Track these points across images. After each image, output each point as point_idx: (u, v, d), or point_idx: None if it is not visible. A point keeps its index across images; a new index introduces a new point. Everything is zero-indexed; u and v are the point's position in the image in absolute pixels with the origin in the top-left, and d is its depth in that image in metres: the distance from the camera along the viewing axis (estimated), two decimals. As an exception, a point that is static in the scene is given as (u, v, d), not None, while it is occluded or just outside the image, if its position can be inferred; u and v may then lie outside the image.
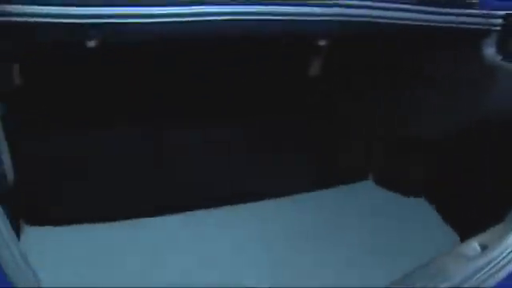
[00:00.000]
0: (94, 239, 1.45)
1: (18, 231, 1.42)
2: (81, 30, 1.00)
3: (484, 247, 1.22)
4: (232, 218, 1.66)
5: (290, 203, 1.80)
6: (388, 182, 1.96)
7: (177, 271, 1.39)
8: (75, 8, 0.92)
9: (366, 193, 1.95)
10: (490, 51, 1.44)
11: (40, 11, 0.90)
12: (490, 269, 1.15)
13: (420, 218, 1.77)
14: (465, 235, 1.60)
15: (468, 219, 1.58)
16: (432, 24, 1.27)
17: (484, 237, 1.26)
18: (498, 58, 1.43)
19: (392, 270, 1.38)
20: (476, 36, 1.41)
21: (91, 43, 1.06)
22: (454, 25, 1.30)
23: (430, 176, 1.81)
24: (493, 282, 1.13)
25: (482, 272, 1.15)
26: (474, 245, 1.24)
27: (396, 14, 1.20)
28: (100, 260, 1.38)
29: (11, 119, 1.13)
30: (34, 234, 1.44)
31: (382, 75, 1.69)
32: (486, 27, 1.39)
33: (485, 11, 1.39)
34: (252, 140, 1.90)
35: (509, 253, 1.18)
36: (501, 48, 1.42)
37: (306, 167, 1.95)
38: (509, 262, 1.17)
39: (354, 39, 1.31)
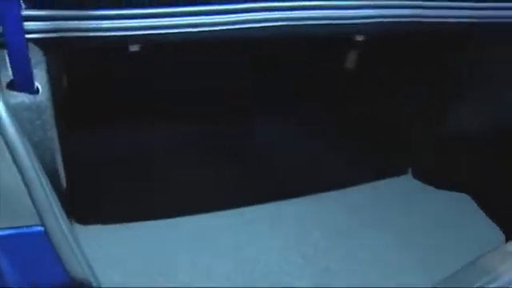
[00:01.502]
0: (145, 237, 1.50)
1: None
2: (126, 40, 1.04)
3: (532, 246, 1.22)
4: (273, 216, 1.68)
5: (330, 199, 1.81)
6: (428, 177, 1.95)
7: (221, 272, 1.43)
8: (121, 21, 0.96)
9: (406, 188, 1.95)
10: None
11: (90, 26, 0.94)
12: (539, 268, 1.15)
13: (462, 214, 1.77)
14: (509, 233, 1.60)
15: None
16: (470, 20, 1.25)
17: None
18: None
19: (436, 269, 1.41)
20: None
21: (134, 47, 1.11)
22: (502, 19, 1.28)
23: (472, 172, 1.79)
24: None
25: (531, 271, 1.15)
26: (521, 243, 1.25)
27: (440, 12, 1.19)
28: (152, 258, 1.43)
29: (61, 120, 1.19)
30: (84, 234, 1.50)
31: (424, 71, 1.68)
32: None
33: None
34: (289, 135, 1.94)
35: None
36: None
37: (345, 163, 1.97)
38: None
39: (391, 38, 1.31)
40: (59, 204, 0.79)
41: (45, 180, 0.77)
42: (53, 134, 0.98)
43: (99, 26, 0.96)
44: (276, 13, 1.05)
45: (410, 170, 2.01)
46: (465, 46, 1.49)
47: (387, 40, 1.39)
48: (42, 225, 0.74)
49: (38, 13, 0.93)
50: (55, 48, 0.97)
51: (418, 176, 1.98)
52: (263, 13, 1.04)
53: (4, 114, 0.74)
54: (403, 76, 1.76)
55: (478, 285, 1.11)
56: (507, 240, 1.57)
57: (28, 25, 0.91)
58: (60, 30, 0.94)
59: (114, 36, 0.96)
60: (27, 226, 0.74)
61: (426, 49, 1.54)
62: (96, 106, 1.56)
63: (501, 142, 1.65)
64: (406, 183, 1.98)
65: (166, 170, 1.75)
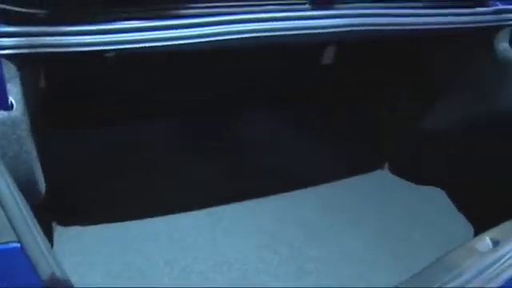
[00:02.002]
0: (125, 239, 1.55)
1: (50, 232, 1.53)
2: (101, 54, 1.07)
3: (496, 243, 1.28)
4: (249, 215, 1.73)
5: (306, 196, 1.86)
6: (404, 172, 2.01)
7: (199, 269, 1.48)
8: (96, 36, 0.99)
9: (382, 182, 2.01)
10: (502, 47, 1.47)
11: (63, 42, 0.97)
12: (501, 264, 1.22)
13: (436, 208, 1.83)
14: (478, 226, 1.67)
15: (482, 211, 1.64)
16: (443, 26, 1.30)
17: (496, 232, 1.32)
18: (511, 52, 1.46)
19: (406, 263, 1.48)
20: (489, 32, 1.44)
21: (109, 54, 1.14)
22: (466, 25, 1.34)
23: (444, 167, 1.86)
24: (504, 277, 1.20)
25: (493, 267, 1.21)
26: (486, 240, 1.31)
27: (403, 19, 1.24)
28: (132, 260, 1.47)
29: (39, 122, 1.21)
30: (66, 235, 1.54)
31: (396, 72, 1.74)
32: (499, 23, 1.42)
33: (497, 7, 1.42)
34: (264, 135, 1.99)
35: (520, 249, 1.24)
36: (514, 43, 1.46)
37: (322, 159, 2.02)
38: (520, 257, 1.23)
39: (365, 43, 1.36)
40: (34, 218, 0.82)
41: (19, 196, 0.80)
42: (28, 147, 1.00)
43: (72, 41, 0.98)
44: (251, 24, 1.08)
45: (386, 166, 2.08)
46: (433, 49, 1.54)
47: (360, 45, 1.43)
48: (18, 241, 0.77)
49: (11, 29, 0.95)
50: (29, 63, 0.99)
51: (395, 171, 2.05)
52: (238, 25, 1.07)
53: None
54: (378, 78, 1.81)
55: (441, 282, 1.17)
56: (476, 233, 1.64)
57: (1, 41, 0.93)
58: (33, 46, 0.96)
59: (89, 51, 0.99)
60: (4, 243, 0.77)
61: (399, 53, 1.59)
62: (73, 110, 1.58)
63: (471, 139, 1.71)
64: (382, 178, 2.05)
65: (142, 171, 1.79)
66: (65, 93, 1.53)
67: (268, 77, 1.91)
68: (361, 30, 1.20)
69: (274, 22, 1.10)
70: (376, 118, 2.02)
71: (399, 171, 2.03)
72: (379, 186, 1.98)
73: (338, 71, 1.96)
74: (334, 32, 1.16)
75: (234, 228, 1.64)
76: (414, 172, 1.99)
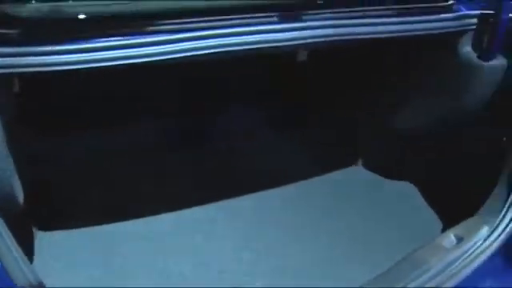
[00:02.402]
0: (105, 242, 1.60)
1: (31, 238, 1.56)
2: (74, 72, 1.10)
3: (460, 239, 1.37)
4: (226, 215, 1.78)
5: (282, 193, 1.92)
6: (377, 167, 2.08)
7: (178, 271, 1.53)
8: (68, 56, 1.02)
9: (356, 178, 2.08)
10: (466, 50, 1.53)
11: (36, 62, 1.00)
12: (465, 259, 1.30)
13: (407, 203, 1.90)
14: (447, 221, 1.75)
15: (450, 206, 1.72)
16: (409, 33, 1.36)
17: (459, 229, 1.41)
18: (474, 55, 1.53)
19: (379, 259, 1.54)
20: (453, 37, 1.50)
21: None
22: (431, 31, 1.39)
23: (416, 163, 1.93)
24: (467, 271, 1.28)
25: (458, 262, 1.29)
26: (450, 237, 1.39)
27: (369, 28, 1.30)
28: (112, 262, 1.52)
29: (16, 131, 1.24)
30: (49, 240, 1.57)
31: (370, 73, 1.80)
32: (462, 28, 1.49)
33: (460, 13, 1.48)
34: (240, 135, 2.04)
35: (481, 244, 1.33)
36: (476, 46, 1.52)
37: (297, 156, 2.08)
38: (481, 252, 1.31)
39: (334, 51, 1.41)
40: (5, 226, 0.87)
41: None
42: (4, 163, 1.04)
43: (47, 61, 1.01)
44: (220, 39, 1.12)
45: (360, 162, 2.15)
46: (403, 53, 1.60)
47: (332, 53, 1.48)
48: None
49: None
50: (2, 81, 1.02)
51: (369, 167, 2.12)
52: (208, 40, 1.11)
53: None
54: (352, 78, 1.87)
55: (409, 279, 1.25)
56: (445, 228, 1.72)
57: None
58: (8, 66, 0.99)
59: (63, 70, 1.02)
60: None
61: (371, 56, 1.65)
62: (52, 116, 1.61)
63: (440, 138, 1.79)
64: (356, 174, 2.12)
65: (122, 174, 1.83)
66: (42, 101, 1.56)
67: (243, 78, 1.95)
68: (329, 41, 1.25)
69: (244, 36, 1.14)
70: (350, 116, 2.08)
71: (373, 167, 2.10)
72: (353, 182, 2.05)
73: (313, 71, 2.02)
74: (302, 43, 1.21)
75: (212, 229, 1.69)
76: (387, 168, 2.06)
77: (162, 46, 1.09)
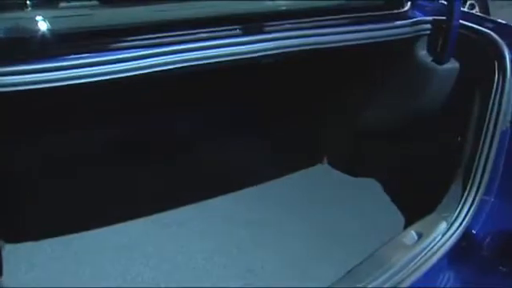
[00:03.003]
0: (75, 252, 1.62)
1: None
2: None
3: (420, 235, 1.45)
4: (197, 218, 1.81)
5: (249, 194, 1.96)
6: (342, 165, 2.15)
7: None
8: (38, 75, 1.04)
9: (322, 177, 2.14)
10: (421, 53, 1.62)
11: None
12: (425, 254, 1.38)
13: (371, 199, 1.98)
14: (409, 216, 1.84)
15: (411, 202, 1.80)
16: (368, 41, 1.43)
17: (420, 226, 1.49)
18: (429, 59, 1.61)
19: (347, 256, 1.61)
20: (409, 41, 1.58)
21: None
22: (387, 38, 1.47)
23: (379, 160, 2.01)
24: (427, 266, 1.36)
25: (419, 258, 1.37)
26: (411, 233, 1.48)
27: (329, 38, 1.36)
28: (83, 272, 1.55)
29: None
30: (16, 252, 1.58)
31: (332, 76, 1.86)
32: (417, 33, 1.57)
33: (415, 19, 1.56)
34: (205, 132, 2.07)
35: (440, 240, 1.41)
36: (430, 50, 1.61)
37: (263, 156, 2.13)
38: (440, 247, 1.40)
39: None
40: None
41: None
42: None
43: (8, 81, 1.03)
44: (182, 55, 1.16)
45: (325, 160, 2.22)
46: (364, 57, 1.67)
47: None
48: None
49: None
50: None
51: (334, 165, 2.20)
52: (171, 56, 1.15)
53: None
54: (317, 80, 1.94)
55: (372, 278, 1.32)
56: (407, 223, 1.80)
57: None
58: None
59: (26, 90, 1.04)
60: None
61: (335, 61, 1.71)
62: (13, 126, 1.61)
63: (401, 135, 1.87)
64: (322, 172, 2.19)
65: (87, 183, 1.84)
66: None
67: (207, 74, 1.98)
68: (291, 51, 1.30)
69: (206, 51, 1.18)
70: (315, 116, 2.14)
71: (338, 165, 2.18)
72: (320, 181, 2.12)
73: (277, 73, 2.07)
74: (265, 55, 1.26)
75: (181, 233, 1.73)
76: (351, 166, 2.13)
77: (129, 63, 1.11)
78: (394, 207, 1.94)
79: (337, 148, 2.20)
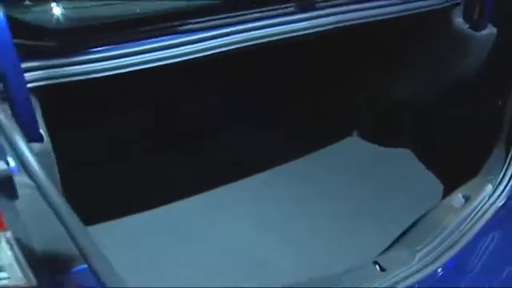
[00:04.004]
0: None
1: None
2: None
3: (467, 198, 1.51)
4: (233, 197, 1.88)
5: (282, 171, 2.02)
6: (373, 136, 2.21)
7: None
8: (111, 62, 1.08)
9: (353, 149, 2.20)
10: (458, 21, 1.66)
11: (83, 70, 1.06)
12: (473, 217, 1.44)
13: (406, 168, 2.04)
14: (446, 182, 1.90)
15: (449, 168, 1.86)
16: (404, 13, 1.47)
17: (466, 189, 1.55)
18: (466, 26, 1.65)
19: (387, 226, 1.67)
20: (446, 10, 1.62)
21: None
22: (426, 8, 1.51)
23: (412, 130, 2.07)
24: (476, 228, 1.42)
25: (468, 220, 1.44)
26: (459, 197, 1.54)
27: (375, 11, 1.40)
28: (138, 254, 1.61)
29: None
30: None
31: (365, 47, 1.91)
32: (453, 1, 1.61)
33: (451, -12, 1.60)
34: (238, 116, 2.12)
35: (486, 202, 1.48)
36: (467, 17, 1.65)
37: (293, 132, 2.17)
38: (487, 210, 1.46)
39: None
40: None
41: (78, 221, 0.91)
42: (55, 169, 1.10)
43: (87, 69, 1.07)
44: (242, 35, 1.21)
45: (355, 133, 2.27)
46: (401, 29, 1.71)
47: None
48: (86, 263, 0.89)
49: (32, 64, 1.03)
50: (48, 93, 1.07)
51: (364, 137, 2.25)
52: (229, 37, 1.19)
53: (41, 173, 0.85)
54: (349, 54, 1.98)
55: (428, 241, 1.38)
56: (445, 190, 1.87)
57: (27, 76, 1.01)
58: (51, 77, 1.05)
59: (105, 76, 1.08)
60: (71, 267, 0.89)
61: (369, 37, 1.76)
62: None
63: (436, 102, 1.92)
64: (353, 145, 2.24)
65: (131, 165, 1.89)
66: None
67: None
68: (338, 27, 1.35)
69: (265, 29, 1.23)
70: (346, 88, 2.18)
71: (369, 137, 2.23)
72: (351, 154, 2.18)
73: (310, 50, 2.10)
74: (319, 31, 1.30)
75: (229, 211, 1.80)
76: (382, 136, 2.19)
77: (190, 46, 1.16)
78: (429, 175, 2.01)
79: (367, 120, 2.25)
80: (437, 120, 1.94)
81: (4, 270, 0.79)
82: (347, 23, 1.39)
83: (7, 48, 0.88)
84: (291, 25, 1.29)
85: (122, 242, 1.65)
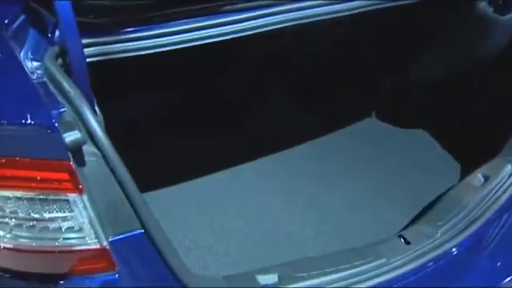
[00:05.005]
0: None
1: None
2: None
3: (486, 178, 1.58)
4: (261, 171, 1.95)
5: (303, 149, 2.09)
6: (390, 117, 2.27)
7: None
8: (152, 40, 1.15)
9: (371, 130, 2.26)
10: (482, 5, 1.71)
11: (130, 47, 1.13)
12: (493, 196, 1.52)
13: (423, 148, 2.11)
14: (463, 162, 1.97)
15: (466, 149, 1.93)
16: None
17: (485, 169, 1.62)
18: (490, 9, 1.70)
19: (407, 203, 1.74)
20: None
21: None
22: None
23: (430, 110, 2.13)
24: (495, 207, 1.49)
25: (487, 199, 1.51)
26: (478, 176, 1.61)
27: None
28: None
29: None
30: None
31: (386, 30, 1.95)
32: (479, -14, 1.66)
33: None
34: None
35: (505, 182, 1.54)
36: (492, 1, 1.70)
37: (310, 114, 2.23)
38: (506, 189, 1.53)
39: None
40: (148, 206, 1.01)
41: (137, 189, 0.98)
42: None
43: (136, 46, 1.14)
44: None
45: (374, 113, 2.33)
46: (423, 11, 1.76)
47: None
48: (143, 227, 0.96)
49: (87, 40, 1.09)
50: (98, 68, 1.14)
51: (382, 118, 2.31)
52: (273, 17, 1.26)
53: (106, 142, 0.92)
54: (368, 40, 2.03)
55: (451, 216, 1.46)
56: (463, 171, 1.94)
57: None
58: (104, 53, 1.12)
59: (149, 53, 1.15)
60: (130, 230, 0.96)
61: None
62: None
63: (454, 84, 1.98)
64: (371, 125, 2.30)
65: (162, 139, 1.96)
66: None
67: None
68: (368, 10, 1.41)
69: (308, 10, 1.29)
70: (363, 69, 2.23)
71: (386, 118, 2.29)
72: (369, 134, 2.24)
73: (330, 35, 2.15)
74: (350, 14, 1.37)
75: (254, 186, 1.87)
76: (400, 117, 2.25)
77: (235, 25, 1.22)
78: (446, 156, 2.08)
79: (385, 100, 2.31)
80: (458, 102, 2.00)
81: (77, 231, 0.87)
82: (370, 8, 1.45)
83: (71, 27, 0.94)
84: (308, 10, 1.35)
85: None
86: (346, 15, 1.45)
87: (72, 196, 0.85)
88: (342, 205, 1.81)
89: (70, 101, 0.92)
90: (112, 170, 0.92)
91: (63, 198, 0.85)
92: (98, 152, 0.91)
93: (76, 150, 0.85)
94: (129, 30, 1.16)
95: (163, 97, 1.89)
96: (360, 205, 1.81)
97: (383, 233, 1.60)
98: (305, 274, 1.28)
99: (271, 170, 1.97)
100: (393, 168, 2.02)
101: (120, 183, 0.94)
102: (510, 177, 1.58)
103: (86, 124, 0.91)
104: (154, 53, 1.18)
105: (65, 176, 0.83)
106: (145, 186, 1.80)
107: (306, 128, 2.17)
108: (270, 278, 1.23)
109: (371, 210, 1.78)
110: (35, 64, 1.04)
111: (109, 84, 1.36)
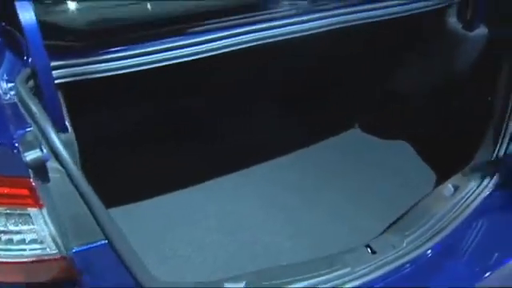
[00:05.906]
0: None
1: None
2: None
3: (456, 188, 1.63)
4: (245, 181, 2.01)
5: (287, 160, 2.15)
6: (373, 129, 2.32)
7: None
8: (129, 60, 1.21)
9: (354, 141, 2.31)
10: (452, 21, 1.77)
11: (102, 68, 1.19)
12: (462, 205, 1.57)
13: (404, 159, 2.15)
14: (442, 172, 2.01)
15: (445, 159, 1.98)
16: (405, 13, 1.58)
17: (456, 179, 1.67)
18: (459, 26, 1.76)
19: (384, 209, 1.79)
20: (441, 10, 1.73)
21: None
22: (423, 9, 1.62)
23: (410, 122, 2.18)
24: (464, 215, 1.54)
25: (456, 207, 1.56)
26: (448, 186, 1.66)
27: (376, 12, 1.52)
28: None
29: None
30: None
31: (365, 45, 2.02)
32: (448, 2, 1.71)
33: (446, -10, 1.70)
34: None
35: (474, 191, 1.59)
36: (460, 18, 1.76)
37: (299, 124, 2.30)
38: (475, 198, 1.58)
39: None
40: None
41: (101, 203, 1.04)
42: (77, 156, 1.24)
43: (110, 67, 1.20)
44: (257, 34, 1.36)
45: (357, 125, 2.39)
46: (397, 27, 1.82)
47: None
48: (106, 238, 1.02)
49: (58, 63, 1.15)
50: (72, 89, 1.20)
51: (364, 129, 2.36)
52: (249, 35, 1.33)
53: (69, 160, 0.99)
54: (349, 53, 2.09)
55: (418, 226, 1.51)
56: (439, 179, 1.98)
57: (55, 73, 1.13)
58: (77, 74, 1.18)
59: (126, 73, 1.21)
60: (94, 241, 1.02)
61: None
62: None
63: (430, 96, 2.03)
64: (354, 137, 2.36)
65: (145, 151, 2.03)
66: None
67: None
68: (343, 26, 1.47)
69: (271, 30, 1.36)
70: (347, 84, 2.30)
71: (368, 129, 2.35)
72: (351, 145, 2.29)
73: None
74: (322, 31, 1.43)
75: (234, 198, 1.93)
76: (382, 128, 2.30)
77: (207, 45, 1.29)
78: (424, 166, 2.12)
79: (367, 113, 2.37)
80: (438, 113, 2.05)
81: (39, 243, 0.93)
82: (349, 24, 1.51)
83: (39, 49, 1.00)
84: (298, 25, 1.42)
85: (133, 226, 1.78)
86: (325, 31, 1.51)
87: (33, 210, 0.91)
88: (320, 217, 1.86)
89: (35, 121, 0.99)
90: (75, 186, 0.99)
91: (25, 212, 0.91)
92: (62, 169, 0.98)
93: (38, 168, 0.92)
94: (102, 51, 1.22)
95: (137, 115, 1.96)
96: (338, 216, 1.86)
97: (359, 244, 1.65)
98: (272, 282, 1.34)
99: (252, 183, 2.02)
100: (373, 179, 2.07)
101: (83, 197, 1.00)
102: (478, 186, 1.63)
103: (49, 143, 0.97)
104: (130, 72, 1.25)
105: (25, 192, 0.90)
106: (124, 200, 1.91)
107: (289, 141, 2.23)
108: (237, 286, 1.29)
109: (349, 222, 1.83)
110: (9, 85, 1.11)
111: (84, 103, 1.44)
